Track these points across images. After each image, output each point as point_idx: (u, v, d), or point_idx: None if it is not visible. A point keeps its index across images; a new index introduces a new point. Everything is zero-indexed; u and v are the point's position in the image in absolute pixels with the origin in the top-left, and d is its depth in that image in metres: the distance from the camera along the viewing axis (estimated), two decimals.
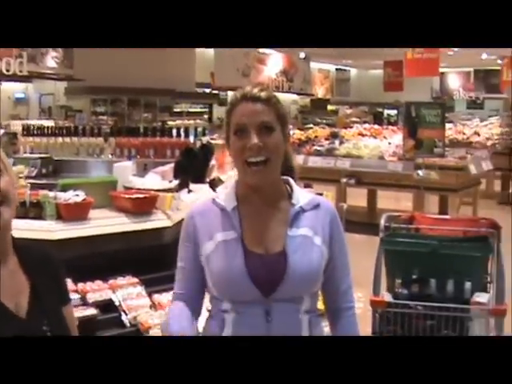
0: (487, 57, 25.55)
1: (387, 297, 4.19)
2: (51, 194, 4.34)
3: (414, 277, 4.21)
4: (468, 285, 4.10)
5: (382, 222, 4.49)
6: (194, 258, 2.38)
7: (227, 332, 2.31)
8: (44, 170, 6.99)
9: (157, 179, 5.05)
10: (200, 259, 2.36)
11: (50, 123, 13.52)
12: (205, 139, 6.91)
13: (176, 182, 5.03)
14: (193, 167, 5.57)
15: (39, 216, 4.29)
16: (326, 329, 2.56)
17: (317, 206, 2.40)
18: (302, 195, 2.41)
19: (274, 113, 2.31)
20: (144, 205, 4.52)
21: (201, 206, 2.45)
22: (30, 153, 7.76)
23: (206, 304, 2.48)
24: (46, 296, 2.12)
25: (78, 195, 4.33)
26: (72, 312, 2.37)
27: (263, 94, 2.32)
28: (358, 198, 13.02)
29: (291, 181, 2.44)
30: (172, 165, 5.53)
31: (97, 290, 4.06)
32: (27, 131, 8.31)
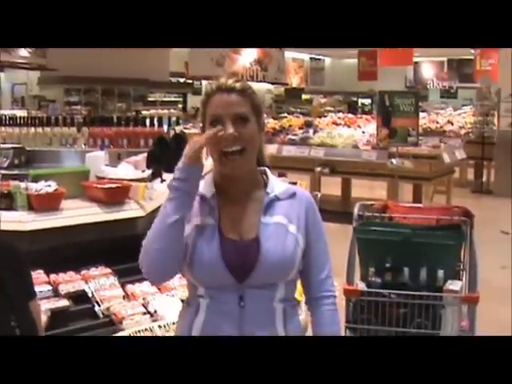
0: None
1: (361, 285, 4.20)
2: (22, 184, 4.30)
3: (388, 265, 4.21)
4: (441, 273, 4.11)
5: (356, 210, 4.48)
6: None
7: (201, 317, 2.34)
8: (16, 161, 6.92)
9: (129, 169, 5.03)
10: None
11: (22, 113, 13.41)
12: (178, 129, 6.89)
13: (149, 172, 5.00)
14: (165, 157, 5.53)
15: (10, 207, 4.24)
16: (301, 317, 2.57)
17: (292, 196, 2.42)
18: (277, 185, 2.44)
19: (249, 103, 2.34)
20: (117, 195, 4.49)
21: None
22: (2, 143, 7.69)
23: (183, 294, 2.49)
24: (14, 292, 2.10)
25: (49, 185, 4.28)
26: (38, 306, 2.35)
27: (238, 85, 2.34)
28: (332, 186, 13.05)
29: (268, 171, 2.47)
30: (145, 154, 5.50)
31: (69, 281, 4.03)
32: None
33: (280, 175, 11.69)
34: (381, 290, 4.03)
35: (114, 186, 4.53)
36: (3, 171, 5.08)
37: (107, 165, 5.14)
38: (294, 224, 2.37)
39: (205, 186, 2.39)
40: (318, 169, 11.68)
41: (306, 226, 2.40)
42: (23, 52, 17.76)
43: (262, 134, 2.44)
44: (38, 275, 3.99)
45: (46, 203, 4.23)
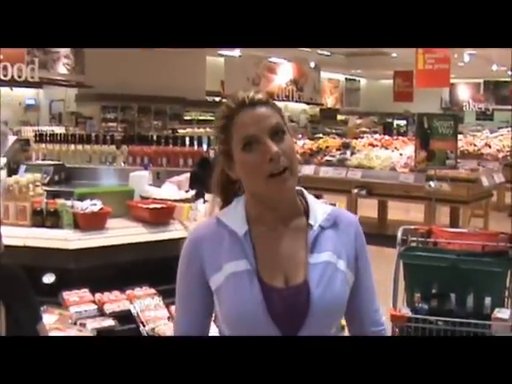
0: (497, 68, 25.53)
1: (405, 311, 4.16)
2: (68, 202, 4.32)
3: (434, 291, 4.18)
4: (488, 300, 4.06)
5: (399, 235, 4.45)
6: (200, 293, 2.02)
7: None
8: (56, 177, 7.00)
9: (173, 189, 5.03)
10: (209, 293, 2.01)
11: (60, 130, 13.56)
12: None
13: (192, 192, 5.01)
14: (208, 177, 5.53)
15: (56, 225, 4.26)
16: None
17: (337, 222, 2.08)
18: (318, 210, 2.08)
19: (278, 114, 2.00)
20: (162, 215, 4.50)
21: (204, 229, 2.08)
22: (42, 160, 7.77)
23: None
24: (21, 317, 2.10)
25: (95, 204, 4.31)
26: (45, 327, 2.34)
27: (262, 96, 2.01)
28: (367, 208, 12.98)
29: (305, 192, 2.13)
30: (187, 174, 5.51)
31: (114, 301, 4.04)
32: (39, 138, 8.31)
33: (316, 197, 11.67)
34: (428, 317, 3.99)
35: (159, 206, 4.53)
36: (44, 187, 5.10)
37: (150, 184, 5.15)
38: (343, 259, 2.03)
39: (235, 221, 2.03)
40: (355, 190, 11.63)
41: (356, 257, 2.07)
42: (62, 69, 17.98)
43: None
44: (83, 294, 4.01)
45: (92, 222, 4.25)
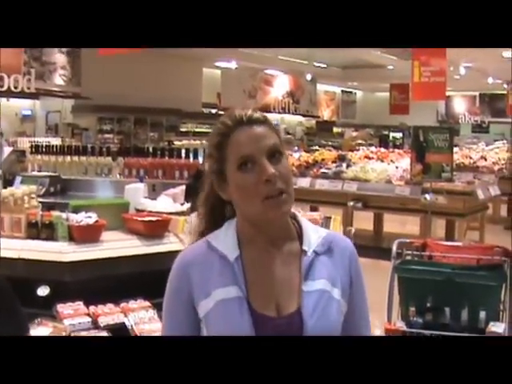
0: (493, 81, 25.61)
1: (400, 324, 4.16)
2: (63, 215, 4.32)
3: (429, 305, 4.18)
4: (483, 314, 4.08)
5: (394, 248, 4.47)
6: (187, 320, 1.94)
7: None
8: (52, 189, 6.99)
9: (169, 202, 5.03)
10: (196, 319, 1.93)
11: (56, 141, 13.56)
12: None
13: (188, 205, 5.00)
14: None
15: (51, 237, 4.26)
16: None
17: (332, 246, 1.99)
18: (312, 235, 1.99)
19: (276, 134, 1.92)
20: (157, 228, 4.50)
21: (193, 253, 1.98)
22: (38, 171, 7.77)
23: None
24: (8, 331, 2.08)
25: (90, 217, 4.30)
26: None
27: (260, 115, 1.93)
28: (363, 220, 12.99)
29: (298, 215, 2.04)
30: (183, 187, 5.50)
31: (109, 314, 4.02)
32: (35, 149, 8.31)
33: (312, 209, 11.73)
34: (423, 331, 4.00)
35: (154, 219, 4.53)
36: (39, 199, 5.10)
37: (146, 197, 5.15)
38: (337, 287, 1.94)
39: (225, 244, 1.94)
40: (351, 203, 11.63)
41: (350, 282, 1.99)
42: (58, 80, 18.03)
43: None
44: (77, 306, 3.99)
45: (87, 235, 4.25)
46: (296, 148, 18.49)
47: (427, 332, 3.98)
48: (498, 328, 3.98)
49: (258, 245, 1.94)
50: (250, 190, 1.85)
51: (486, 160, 16.37)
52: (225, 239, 1.95)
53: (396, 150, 16.66)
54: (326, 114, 32.11)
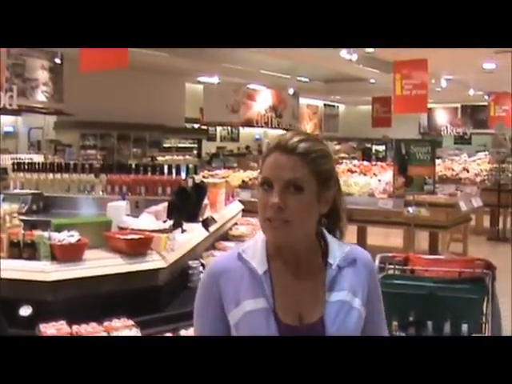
0: (474, 93, 25.77)
1: None
2: (46, 234, 4.30)
3: (411, 319, 4.20)
4: (465, 327, 4.10)
5: (377, 262, 4.47)
6: (219, 327, 2.07)
7: None
8: (34, 207, 6.95)
9: (151, 219, 5.02)
10: (225, 325, 2.06)
11: (39, 158, 13.50)
12: (197, 178, 6.89)
13: (170, 223, 5.00)
14: (186, 207, 5.55)
15: (33, 256, 4.24)
16: None
17: (354, 261, 2.12)
18: (337, 250, 2.11)
19: (309, 169, 1.99)
20: (139, 246, 4.48)
21: (225, 263, 2.12)
22: (20, 188, 7.73)
23: None
24: None
25: (72, 236, 4.29)
26: None
27: (302, 146, 1.99)
28: (346, 234, 12.97)
29: (325, 233, 2.14)
30: (165, 204, 5.50)
31: (92, 333, 4.01)
32: (17, 167, 8.27)
33: None
34: None
35: (136, 237, 4.52)
36: (22, 217, 5.08)
37: (128, 214, 5.14)
38: (358, 297, 2.07)
39: (255, 258, 2.08)
40: None
41: (368, 295, 2.10)
42: (41, 97, 17.97)
43: (339, 196, 2.14)
44: (60, 326, 3.97)
45: (70, 253, 4.23)
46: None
47: None
48: None
49: (284, 258, 2.07)
50: (261, 208, 2.00)
51: (468, 172, 16.48)
52: (254, 252, 2.09)
53: (379, 163, 16.73)
54: (308, 127, 32.16)
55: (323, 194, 2.04)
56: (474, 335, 4.08)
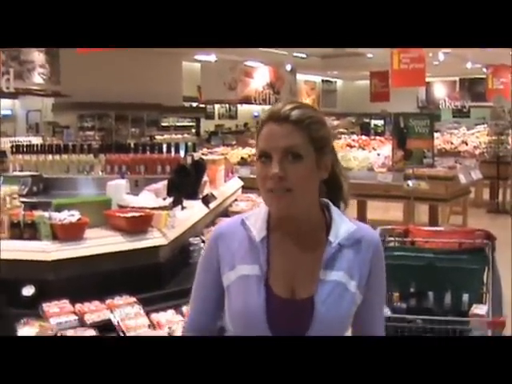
0: (472, 66, 25.68)
1: (385, 310, 4.19)
2: (46, 214, 4.31)
3: (412, 290, 4.22)
4: (466, 297, 4.11)
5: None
6: (213, 286, 2.12)
7: None
8: (35, 188, 6.96)
9: (151, 197, 5.03)
10: (221, 287, 2.10)
11: (38, 140, 13.48)
12: (196, 155, 6.90)
13: (170, 200, 5.01)
14: (186, 184, 5.56)
15: (34, 237, 4.25)
16: None
17: (358, 241, 2.06)
18: (342, 227, 2.07)
19: (304, 136, 1.97)
20: (139, 223, 4.50)
21: (227, 227, 2.17)
22: (20, 171, 7.73)
23: None
24: None
25: (73, 215, 4.30)
26: None
27: (294, 113, 1.98)
28: (347, 208, 13.01)
29: (332, 207, 2.11)
30: (165, 182, 5.50)
31: (94, 311, 4.03)
32: (16, 149, 8.26)
33: None
34: (406, 316, 4.02)
35: (136, 214, 4.53)
36: (22, 199, 5.09)
37: (128, 193, 5.14)
38: (354, 280, 2.03)
39: (256, 225, 2.09)
40: None
41: (368, 277, 2.06)
42: (38, 79, 17.89)
43: (337, 164, 2.15)
44: (63, 305, 3.99)
45: (70, 233, 4.25)
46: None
47: (411, 317, 4.00)
48: (480, 310, 4.01)
49: (284, 229, 2.07)
50: (261, 180, 1.99)
51: (467, 145, 16.47)
52: (256, 220, 2.10)
53: (378, 138, 16.74)
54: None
55: (322, 160, 2.02)
56: (473, 306, 4.09)
